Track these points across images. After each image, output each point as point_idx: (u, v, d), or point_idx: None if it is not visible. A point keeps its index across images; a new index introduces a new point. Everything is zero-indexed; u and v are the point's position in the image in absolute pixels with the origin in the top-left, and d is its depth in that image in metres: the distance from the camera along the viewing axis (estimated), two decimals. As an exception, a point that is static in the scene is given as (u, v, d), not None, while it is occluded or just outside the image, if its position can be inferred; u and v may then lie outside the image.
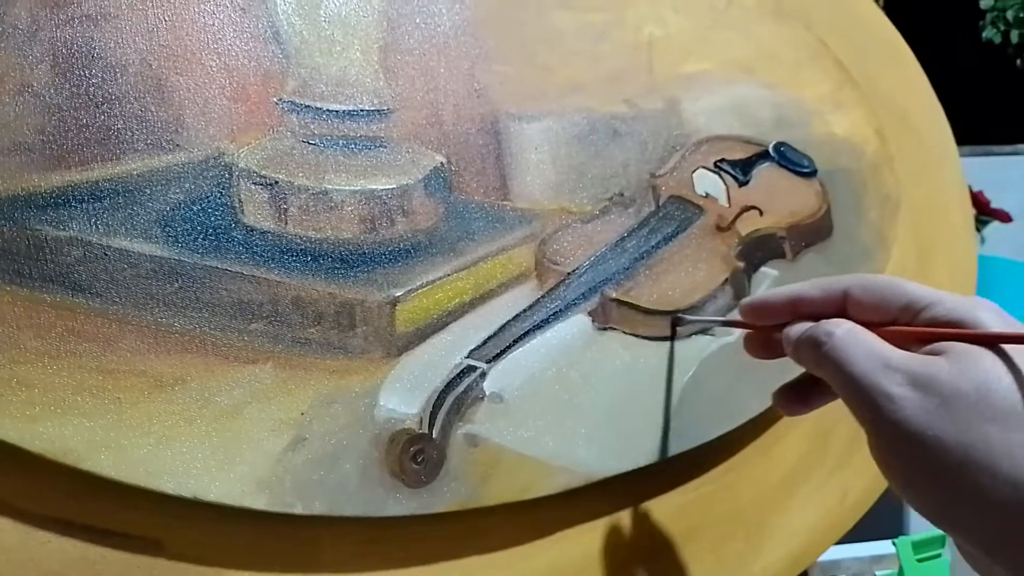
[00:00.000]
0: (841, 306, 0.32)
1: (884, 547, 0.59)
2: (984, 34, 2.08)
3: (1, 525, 0.29)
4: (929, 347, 0.29)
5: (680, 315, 0.41)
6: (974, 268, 0.60)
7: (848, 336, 0.29)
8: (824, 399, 0.34)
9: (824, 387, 0.32)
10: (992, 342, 0.27)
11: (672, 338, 0.41)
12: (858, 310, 0.31)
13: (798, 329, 0.32)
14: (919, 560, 0.53)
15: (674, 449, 0.40)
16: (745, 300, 0.35)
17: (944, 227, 0.57)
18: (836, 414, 0.48)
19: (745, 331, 0.36)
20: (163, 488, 0.30)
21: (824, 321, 0.31)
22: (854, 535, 0.51)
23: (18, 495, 0.30)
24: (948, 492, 0.27)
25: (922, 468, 0.27)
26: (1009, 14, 2.00)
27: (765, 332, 0.35)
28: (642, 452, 0.39)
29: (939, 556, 0.54)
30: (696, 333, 0.42)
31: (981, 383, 0.26)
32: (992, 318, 0.28)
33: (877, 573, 0.59)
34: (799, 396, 0.35)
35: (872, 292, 0.31)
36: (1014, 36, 2.03)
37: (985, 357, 0.27)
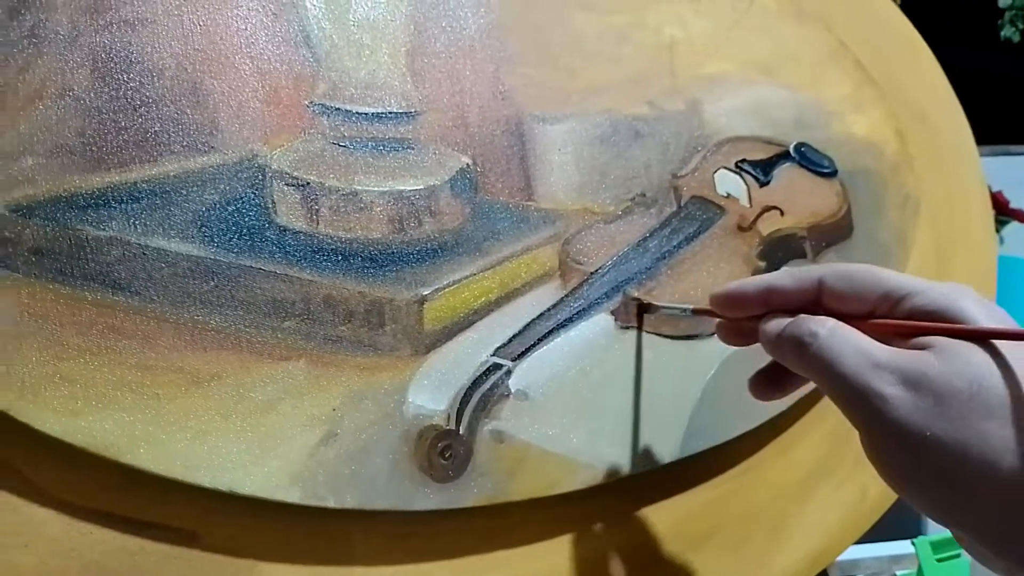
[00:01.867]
0: (816, 296, 0.31)
1: (903, 547, 0.59)
2: (1002, 33, 2.07)
3: (45, 516, 0.30)
4: (914, 341, 0.28)
5: (648, 302, 0.40)
6: (994, 268, 0.60)
7: (833, 336, 0.28)
8: (799, 384, 0.34)
9: (795, 377, 0.32)
10: (982, 338, 0.27)
11: (639, 326, 0.40)
12: (834, 300, 0.30)
13: (776, 325, 0.31)
14: (938, 560, 0.53)
15: (694, 448, 0.40)
16: (715, 291, 0.34)
17: (964, 227, 0.57)
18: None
19: (718, 320, 0.35)
20: (200, 481, 0.31)
21: (806, 319, 0.30)
22: (873, 535, 0.51)
23: (61, 487, 0.30)
24: (949, 491, 0.26)
25: (920, 468, 0.26)
26: (1028, 13, 1.99)
27: (737, 322, 0.34)
28: (664, 450, 0.40)
29: (959, 556, 0.54)
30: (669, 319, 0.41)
31: (973, 379, 0.26)
32: (975, 308, 0.28)
33: (896, 573, 0.59)
34: (772, 382, 0.34)
35: (848, 281, 0.30)
36: (1033, 35, 2.01)
37: (974, 352, 0.26)
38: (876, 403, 0.27)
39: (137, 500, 0.31)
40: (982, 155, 0.61)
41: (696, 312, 0.38)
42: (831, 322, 0.29)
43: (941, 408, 0.26)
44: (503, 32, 0.40)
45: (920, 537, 0.55)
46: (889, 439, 0.27)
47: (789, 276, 0.32)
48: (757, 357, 0.43)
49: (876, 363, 0.27)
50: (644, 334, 0.40)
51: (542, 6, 0.42)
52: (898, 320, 0.29)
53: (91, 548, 0.30)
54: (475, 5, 0.39)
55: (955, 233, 0.56)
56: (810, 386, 0.34)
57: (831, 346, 0.28)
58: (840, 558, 0.51)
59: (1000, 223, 1.23)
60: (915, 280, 0.29)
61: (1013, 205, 1.26)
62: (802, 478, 0.46)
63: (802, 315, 0.30)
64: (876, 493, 0.50)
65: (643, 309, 0.40)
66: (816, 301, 0.31)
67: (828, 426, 0.48)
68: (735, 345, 0.35)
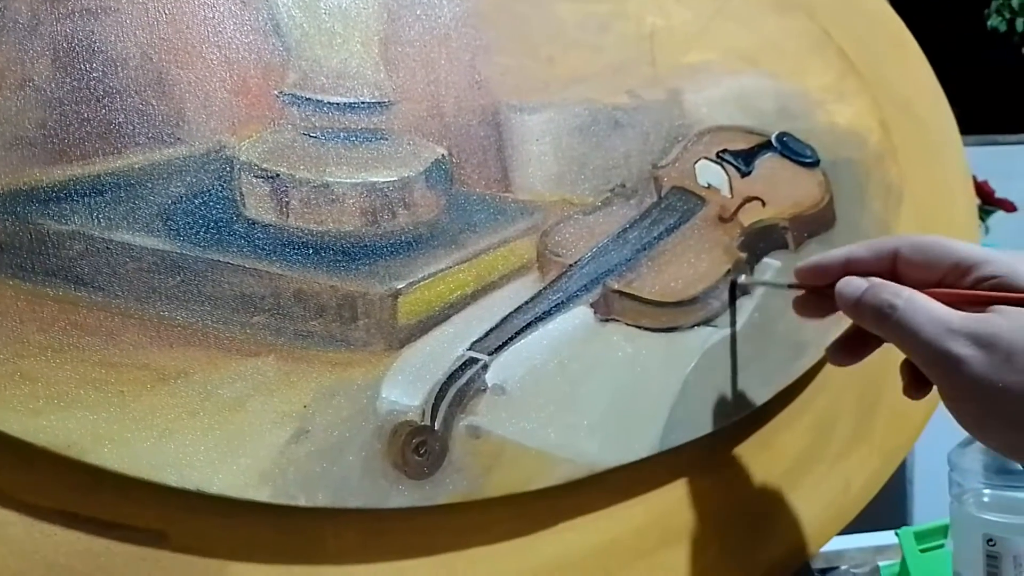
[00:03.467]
0: (891, 265, 0.35)
1: (887, 537, 0.59)
2: (989, 22, 2.07)
3: (6, 518, 0.30)
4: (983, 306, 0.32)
5: (739, 280, 0.42)
6: (978, 258, 0.60)
7: (910, 306, 0.32)
8: (869, 350, 0.38)
9: (870, 341, 0.36)
10: None
11: (732, 302, 0.42)
12: (908, 269, 0.34)
13: (854, 288, 0.34)
14: (922, 550, 0.53)
15: (676, 440, 0.40)
16: (800, 263, 0.38)
17: (947, 217, 0.57)
18: (838, 409, 0.49)
19: (797, 293, 0.39)
20: (167, 481, 0.30)
21: (882, 286, 0.34)
22: (857, 525, 0.51)
23: (23, 488, 0.30)
24: (1019, 431, 0.31)
25: (994, 415, 0.31)
26: (1015, 2, 1.99)
27: (816, 293, 0.37)
28: (644, 443, 0.39)
29: (941, 547, 0.54)
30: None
31: None
32: None
33: (880, 563, 0.59)
34: (851, 350, 0.38)
35: (921, 252, 0.34)
36: (1019, 24, 2.01)
37: None
38: (952, 364, 0.31)
39: (102, 500, 0.30)
40: (968, 145, 0.61)
41: (789, 287, 0.40)
42: (906, 292, 0.33)
43: (1010, 363, 0.30)
44: (480, 20, 0.39)
45: (904, 528, 0.55)
46: (966, 392, 0.32)
47: (867, 247, 0.36)
48: (740, 349, 0.42)
49: (950, 328, 0.31)
50: (625, 326, 0.40)
51: (520, -7, 0.41)
52: (969, 289, 0.33)
53: (55, 549, 0.30)
54: (450, -8, 0.39)
55: (939, 223, 0.56)
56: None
57: (910, 316, 0.32)
58: (824, 549, 0.51)
59: (986, 212, 1.24)
60: (982, 250, 0.34)
61: (999, 194, 1.27)
62: (785, 470, 0.46)
63: (878, 281, 0.34)
64: (859, 484, 0.50)
65: (735, 286, 0.42)
66: (891, 269, 0.35)
67: (811, 418, 0.48)
68: (811, 318, 0.39)
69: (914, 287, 0.33)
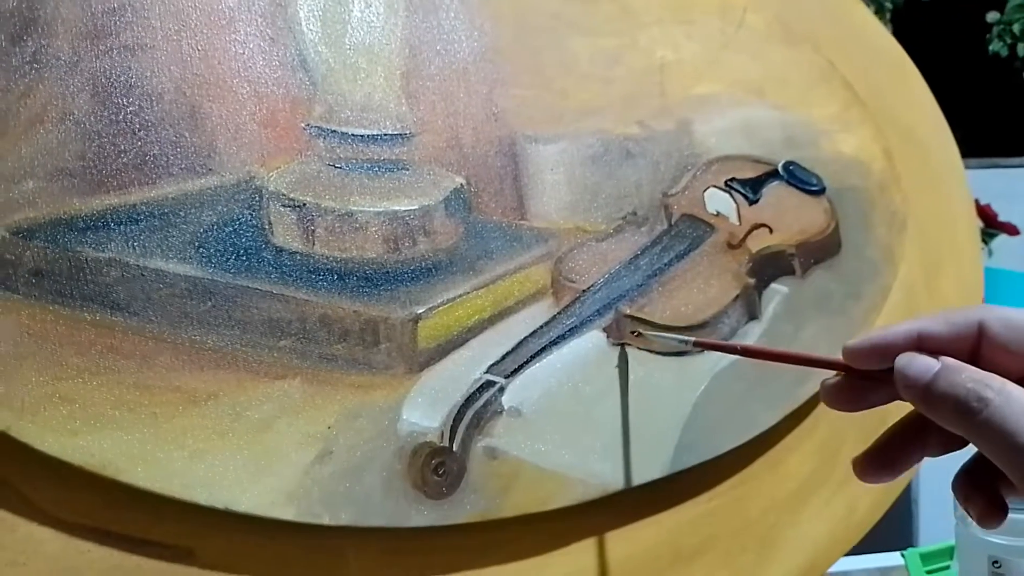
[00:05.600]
0: (973, 344, 0.28)
1: (893, 559, 0.59)
2: (991, 47, 2.09)
3: (43, 535, 0.31)
4: None
5: (639, 331, 0.40)
6: (980, 282, 0.61)
7: (1007, 403, 0.26)
8: (916, 462, 0.30)
9: (919, 446, 0.29)
10: None
11: (623, 345, 0.40)
12: (995, 352, 0.28)
13: (922, 366, 0.27)
14: (928, 572, 0.54)
15: (686, 463, 0.41)
16: (852, 342, 0.29)
17: (951, 242, 0.58)
18: (844, 432, 0.49)
19: (828, 378, 0.30)
20: (196, 499, 0.31)
21: (962, 372, 0.27)
22: (863, 547, 0.52)
23: (59, 506, 0.31)
24: None
25: None
26: (1016, 27, 2.01)
27: (858, 376, 0.30)
28: (655, 465, 0.40)
29: (947, 568, 0.54)
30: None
31: None
32: None
33: (886, 585, 0.59)
34: (886, 463, 0.30)
35: (1017, 329, 0.27)
36: (1020, 49, 2.03)
37: None
38: None
39: (134, 518, 0.31)
40: (971, 168, 0.62)
41: (699, 344, 0.36)
42: (998, 382, 0.26)
43: None
44: (496, 55, 0.41)
45: (910, 549, 0.56)
46: None
47: (943, 320, 0.28)
48: (749, 373, 0.43)
49: None
50: (636, 351, 0.41)
51: (535, 30, 0.43)
52: None
53: (89, 566, 0.31)
54: (469, 29, 0.40)
55: (942, 249, 0.57)
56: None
57: (1006, 416, 0.26)
58: (830, 570, 0.52)
59: (989, 236, 1.25)
60: None
61: (1001, 218, 1.28)
62: (792, 491, 0.47)
63: (953, 362, 0.27)
64: (865, 505, 0.50)
65: (636, 334, 0.40)
66: (972, 350, 0.28)
67: (817, 440, 0.48)
68: (842, 410, 0.31)
69: (1002, 375, 0.27)
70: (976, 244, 0.63)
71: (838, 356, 0.30)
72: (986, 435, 0.26)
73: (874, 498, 0.51)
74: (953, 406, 0.27)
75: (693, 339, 0.36)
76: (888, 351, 0.28)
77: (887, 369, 0.28)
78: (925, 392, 0.27)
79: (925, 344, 0.28)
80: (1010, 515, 0.46)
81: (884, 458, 0.30)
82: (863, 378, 0.29)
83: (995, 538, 0.45)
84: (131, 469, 0.31)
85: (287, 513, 0.32)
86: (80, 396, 0.31)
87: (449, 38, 0.40)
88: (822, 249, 0.48)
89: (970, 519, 0.31)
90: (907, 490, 0.93)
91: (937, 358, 0.27)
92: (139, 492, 0.31)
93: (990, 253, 1.24)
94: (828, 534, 0.48)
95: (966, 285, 0.59)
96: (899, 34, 0.63)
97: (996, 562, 0.45)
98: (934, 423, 0.28)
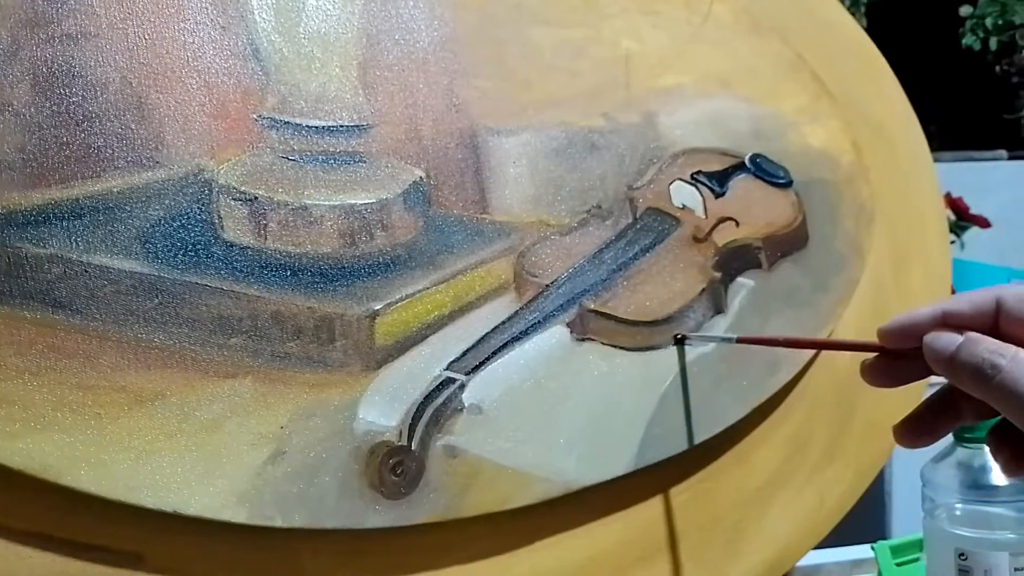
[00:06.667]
0: (992, 320, 0.31)
1: (863, 551, 0.60)
2: (963, 41, 2.11)
3: (-19, 541, 0.30)
4: None
5: (683, 335, 0.41)
6: (949, 275, 0.61)
7: (1016, 366, 0.29)
8: (952, 428, 0.34)
9: (952, 414, 0.32)
10: None
11: (682, 357, 0.40)
12: (1013, 325, 0.31)
13: (946, 341, 0.31)
14: (897, 564, 0.54)
15: (652, 458, 0.40)
16: (885, 325, 0.33)
17: (919, 235, 0.58)
18: (814, 424, 0.49)
19: (866, 358, 0.34)
20: (143, 502, 0.30)
21: (979, 343, 0.30)
22: (833, 539, 0.52)
23: (-2, 511, 0.30)
24: None
25: None
26: (988, 21, 2.03)
27: (893, 356, 0.33)
28: (620, 461, 0.40)
29: (917, 560, 0.54)
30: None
31: None
32: None
33: (856, 577, 0.59)
34: (924, 429, 0.34)
35: None
36: (993, 43, 2.05)
37: None
38: None
39: (79, 522, 0.30)
40: (944, 161, 0.62)
41: (742, 341, 0.37)
42: (1011, 350, 0.30)
43: None
44: (457, 45, 0.40)
45: (880, 542, 0.56)
46: None
47: (966, 300, 0.32)
48: (717, 367, 0.43)
49: None
50: (600, 345, 0.41)
51: (498, 20, 0.42)
52: None
53: (31, 573, 0.30)
54: (429, 18, 0.39)
55: (911, 242, 0.57)
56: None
57: (1017, 379, 0.29)
58: (800, 563, 0.52)
59: (961, 228, 1.26)
60: None
61: (973, 211, 1.29)
62: (760, 485, 0.47)
63: (974, 335, 0.30)
64: (834, 499, 0.50)
65: (680, 342, 0.41)
66: (992, 325, 0.31)
67: (786, 433, 0.48)
68: (882, 387, 0.34)
69: (1019, 346, 0.30)
70: (944, 238, 0.63)
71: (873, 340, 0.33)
72: (1000, 396, 0.29)
73: (843, 491, 0.51)
74: (972, 373, 0.30)
75: (736, 336, 0.37)
76: (917, 330, 0.32)
77: (917, 347, 0.31)
78: (949, 362, 0.31)
79: (949, 322, 0.32)
80: (976, 507, 0.46)
81: (923, 426, 0.34)
82: (897, 357, 0.33)
83: (962, 531, 0.45)
84: (74, 472, 0.30)
85: (239, 516, 0.32)
86: (20, 397, 0.30)
87: (408, 27, 0.39)
88: (789, 242, 0.47)
89: (940, 513, 0.35)
90: (880, 483, 0.94)
91: (962, 333, 0.31)
92: (83, 496, 0.30)
93: (962, 246, 1.25)
94: (798, 527, 0.48)
95: (934, 278, 0.59)
96: (874, 28, 0.63)
97: (962, 554, 0.45)
98: (964, 393, 0.31)
